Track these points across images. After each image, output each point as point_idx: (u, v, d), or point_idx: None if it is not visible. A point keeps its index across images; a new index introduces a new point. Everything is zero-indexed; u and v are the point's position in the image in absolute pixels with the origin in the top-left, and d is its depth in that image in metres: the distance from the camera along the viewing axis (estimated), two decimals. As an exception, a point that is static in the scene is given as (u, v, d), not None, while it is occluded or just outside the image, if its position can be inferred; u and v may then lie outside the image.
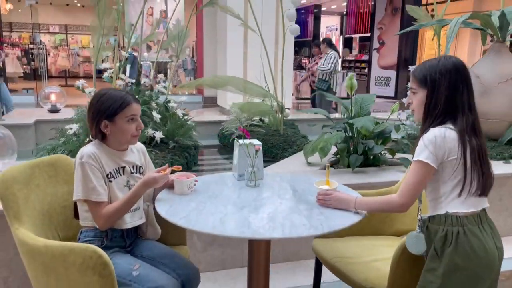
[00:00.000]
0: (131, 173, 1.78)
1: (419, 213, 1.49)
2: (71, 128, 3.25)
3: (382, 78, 13.61)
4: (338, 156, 3.22)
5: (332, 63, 7.47)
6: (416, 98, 1.51)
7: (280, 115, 4.35)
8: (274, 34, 6.46)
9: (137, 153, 1.85)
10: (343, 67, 14.96)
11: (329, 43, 8.05)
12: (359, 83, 13.00)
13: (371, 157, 3.17)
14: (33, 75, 13.37)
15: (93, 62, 3.64)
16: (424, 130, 1.45)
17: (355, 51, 16.49)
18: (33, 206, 1.77)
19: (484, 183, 1.38)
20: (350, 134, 3.18)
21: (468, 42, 14.29)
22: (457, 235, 1.33)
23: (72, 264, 1.51)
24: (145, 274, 1.59)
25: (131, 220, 1.72)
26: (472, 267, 1.34)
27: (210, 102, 9.91)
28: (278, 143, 4.20)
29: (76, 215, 1.76)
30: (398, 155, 3.29)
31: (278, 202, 1.72)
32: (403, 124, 3.64)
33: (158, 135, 3.38)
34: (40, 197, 1.84)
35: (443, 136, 1.35)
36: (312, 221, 1.50)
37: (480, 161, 1.36)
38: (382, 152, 3.19)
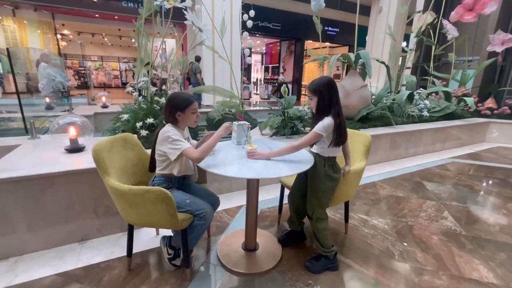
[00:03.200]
0: (188, 141, 1.58)
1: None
2: (123, 117, 2.84)
3: (284, 88, 13.66)
4: (277, 129, 3.13)
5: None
6: (313, 102, 1.50)
7: (241, 108, 4.14)
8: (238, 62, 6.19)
9: (186, 132, 1.62)
10: (265, 82, 14.79)
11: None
12: (273, 90, 12.69)
13: (295, 129, 3.12)
14: (84, 86, 11.89)
15: (136, 77, 3.19)
16: (318, 118, 1.48)
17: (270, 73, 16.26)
18: (114, 165, 1.50)
19: (341, 140, 1.49)
20: (283, 118, 3.09)
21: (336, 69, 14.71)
22: (331, 165, 1.55)
23: (148, 199, 1.31)
24: (193, 202, 1.44)
25: (185, 171, 1.52)
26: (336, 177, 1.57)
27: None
28: (241, 123, 4.03)
29: (151, 169, 1.55)
30: (307, 128, 3.27)
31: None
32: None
33: None
34: (118, 159, 1.57)
35: (330, 122, 1.42)
36: (288, 164, 1.41)
37: (341, 130, 1.46)
38: (300, 127, 3.15)
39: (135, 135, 1.74)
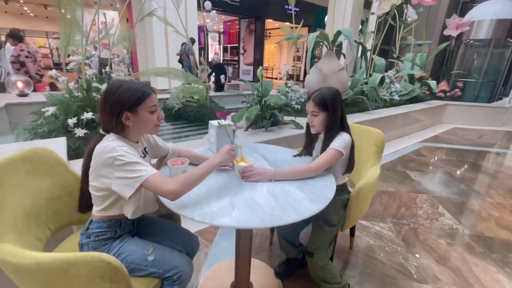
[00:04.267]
0: (143, 158, 1.00)
1: None
2: (47, 110, 2.05)
3: (246, 70, 12.92)
4: (253, 121, 2.63)
5: None
6: (317, 118, 1.16)
7: (206, 94, 3.51)
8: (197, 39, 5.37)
9: (142, 143, 1.03)
10: (225, 63, 13.84)
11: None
12: (234, 72, 12.07)
13: (274, 120, 2.65)
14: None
15: (63, 55, 2.34)
16: (328, 138, 1.14)
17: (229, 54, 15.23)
18: (12, 209, 0.85)
19: (352, 166, 1.22)
20: (261, 107, 2.59)
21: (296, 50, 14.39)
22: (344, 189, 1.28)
23: (76, 276, 0.71)
24: (159, 257, 0.89)
25: (144, 210, 0.96)
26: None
27: (146, 85, 8.12)
28: (207, 113, 3.41)
29: (80, 208, 0.95)
30: (286, 118, 2.84)
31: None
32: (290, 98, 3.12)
33: None
34: (20, 196, 0.91)
35: (349, 138, 1.14)
36: (307, 193, 0.94)
37: (353, 152, 1.20)
38: (281, 118, 2.70)
39: (54, 153, 1.06)
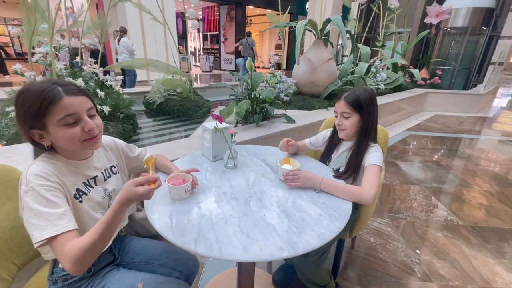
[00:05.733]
0: (105, 180, 0.80)
1: None
2: (13, 111, 1.79)
3: (227, 59, 12.51)
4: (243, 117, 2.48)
5: None
6: (348, 121, 1.04)
7: (189, 86, 3.28)
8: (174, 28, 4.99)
9: (103, 150, 0.84)
10: (205, 52, 13.32)
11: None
12: (215, 62, 11.66)
13: (265, 114, 2.52)
14: None
15: (28, 46, 2.03)
16: (365, 143, 1.03)
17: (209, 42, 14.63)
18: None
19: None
20: (252, 101, 2.44)
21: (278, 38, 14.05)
22: None
23: None
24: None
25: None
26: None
27: (122, 77, 7.54)
28: (191, 107, 3.19)
29: None
30: (277, 111, 2.72)
31: (271, 186, 0.93)
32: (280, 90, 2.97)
33: (106, 108, 2.11)
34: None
35: (381, 149, 1.04)
36: (323, 208, 0.83)
37: None
38: (273, 112, 2.56)
39: (15, 169, 0.86)
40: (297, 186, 0.92)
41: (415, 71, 4.95)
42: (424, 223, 1.90)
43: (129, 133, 2.40)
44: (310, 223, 0.74)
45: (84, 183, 0.73)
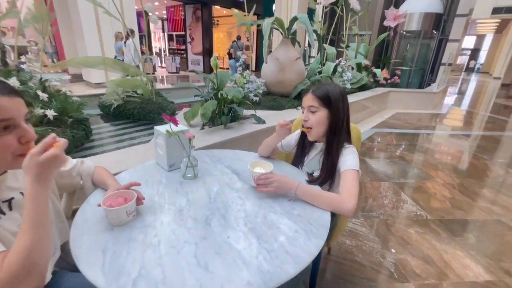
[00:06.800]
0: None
1: None
2: None
3: (195, 60, 12.10)
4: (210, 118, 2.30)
5: None
6: (316, 115, 0.94)
7: (151, 87, 3.02)
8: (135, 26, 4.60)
9: (16, 177, 0.63)
10: (171, 52, 12.76)
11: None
12: (182, 63, 11.23)
13: (233, 115, 2.37)
14: None
15: None
16: (335, 143, 0.93)
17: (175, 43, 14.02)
18: None
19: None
20: (218, 101, 2.27)
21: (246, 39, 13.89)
22: None
23: None
24: None
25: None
26: None
27: (78, 79, 6.84)
28: (154, 109, 2.93)
29: None
30: (247, 112, 2.59)
31: (237, 198, 0.79)
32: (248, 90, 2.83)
33: (50, 112, 1.79)
34: None
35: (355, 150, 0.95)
36: (298, 222, 0.70)
37: None
38: (241, 112, 2.42)
39: None
40: (270, 192, 0.79)
41: (378, 71, 5.16)
42: (396, 219, 1.90)
43: (80, 140, 2.10)
44: (284, 243, 0.61)
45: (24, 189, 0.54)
